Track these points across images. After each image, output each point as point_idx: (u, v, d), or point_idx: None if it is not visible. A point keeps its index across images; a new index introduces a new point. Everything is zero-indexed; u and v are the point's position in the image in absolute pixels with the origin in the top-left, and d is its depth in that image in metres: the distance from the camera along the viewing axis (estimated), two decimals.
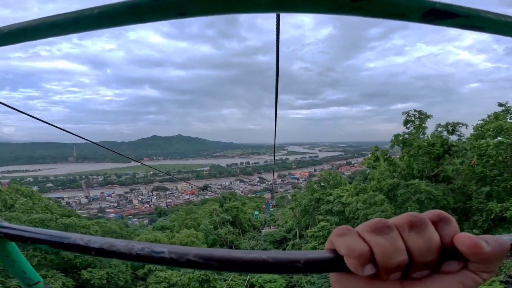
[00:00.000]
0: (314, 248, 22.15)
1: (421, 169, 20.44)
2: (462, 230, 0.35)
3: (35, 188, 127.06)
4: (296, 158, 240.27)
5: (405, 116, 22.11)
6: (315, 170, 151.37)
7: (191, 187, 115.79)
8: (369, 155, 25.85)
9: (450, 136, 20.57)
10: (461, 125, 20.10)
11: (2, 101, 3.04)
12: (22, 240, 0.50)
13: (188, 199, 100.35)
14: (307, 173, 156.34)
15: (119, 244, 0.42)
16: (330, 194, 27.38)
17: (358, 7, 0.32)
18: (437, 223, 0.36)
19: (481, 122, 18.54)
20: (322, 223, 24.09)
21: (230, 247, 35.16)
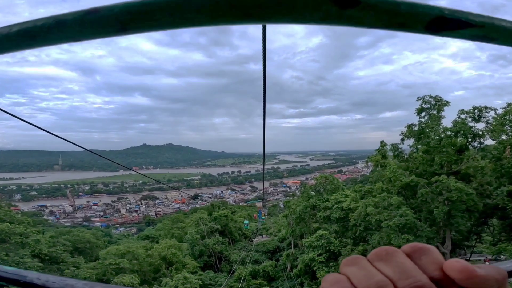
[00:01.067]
0: (312, 259, 20.87)
1: (443, 164, 17.38)
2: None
3: (17, 196, 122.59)
4: (287, 167, 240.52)
5: (420, 102, 18.73)
6: (306, 179, 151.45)
7: (182, 196, 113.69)
8: (375, 153, 23.14)
9: (476, 123, 17.29)
10: (489, 110, 16.91)
11: None
12: None
13: (178, 208, 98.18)
14: (299, 181, 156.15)
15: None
16: (327, 200, 25.87)
17: (348, 15, 0.28)
18: (411, 254, 0.35)
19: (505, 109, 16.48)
20: (321, 232, 22.27)
21: (219, 258, 33.56)
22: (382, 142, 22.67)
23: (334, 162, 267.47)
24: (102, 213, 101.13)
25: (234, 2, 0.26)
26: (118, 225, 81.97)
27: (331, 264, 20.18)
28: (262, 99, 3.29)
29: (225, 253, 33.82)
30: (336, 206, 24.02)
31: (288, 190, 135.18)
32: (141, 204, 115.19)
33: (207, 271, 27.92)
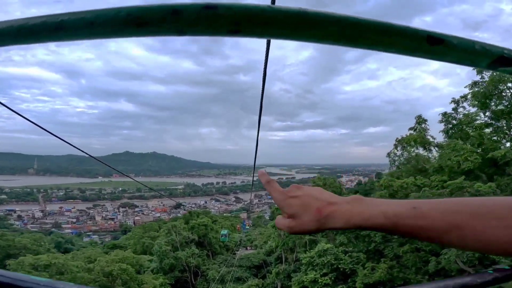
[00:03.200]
0: (314, 281, 16.14)
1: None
2: None
3: None
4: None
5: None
6: None
7: (163, 205, 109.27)
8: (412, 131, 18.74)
9: None
10: None
11: None
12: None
13: (159, 217, 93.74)
14: None
15: None
16: None
17: (433, 50, 0.33)
18: None
19: None
20: (324, 245, 17.63)
21: (195, 274, 29.26)
22: (419, 117, 19.10)
23: (319, 175, 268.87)
24: (74, 220, 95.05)
25: (341, 28, 0.31)
26: (91, 233, 76.91)
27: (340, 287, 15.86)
28: (258, 112, 3.23)
29: (202, 267, 29.81)
30: None
31: (273, 202, 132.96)
32: (119, 212, 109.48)
33: None
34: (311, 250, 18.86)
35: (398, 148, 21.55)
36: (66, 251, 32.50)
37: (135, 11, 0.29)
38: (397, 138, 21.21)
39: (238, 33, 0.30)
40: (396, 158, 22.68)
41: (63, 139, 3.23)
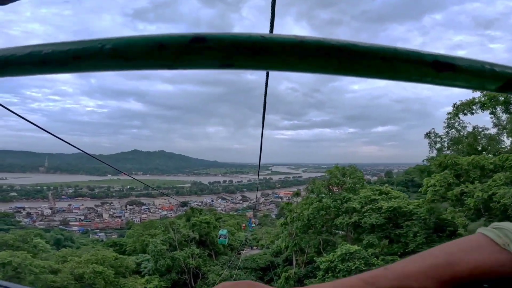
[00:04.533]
0: None
1: None
2: None
3: None
4: (280, 178, 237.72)
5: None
6: (293, 194, 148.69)
7: (170, 203, 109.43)
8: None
9: None
10: None
11: None
12: None
13: (165, 215, 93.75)
14: (291, 192, 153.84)
15: None
16: (350, 199, 19.43)
17: (442, 77, 0.31)
18: None
19: None
20: (352, 247, 14.74)
21: (195, 276, 26.97)
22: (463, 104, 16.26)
23: (326, 174, 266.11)
24: (82, 217, 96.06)
25: (346, 55, 0.29)
26: (98, 230, 77.39)
27: None
28: (261, 126, 3.48)
29: (203, 269, 27.36)
30: (369, 207, 17.53)
31: (280, 200, 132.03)
32: (126, 209, 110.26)
33: None
34: (330, 253, 16.20)
35: (457, 117, 18.53)
36: (63, 247, 31.75)
37: (121, 44, 0.27)
38: (454, 104, 18.53)
39: (231, 67, 0.28)
40: (438, 139, 19.94)
41: (61, 138, 3.22)
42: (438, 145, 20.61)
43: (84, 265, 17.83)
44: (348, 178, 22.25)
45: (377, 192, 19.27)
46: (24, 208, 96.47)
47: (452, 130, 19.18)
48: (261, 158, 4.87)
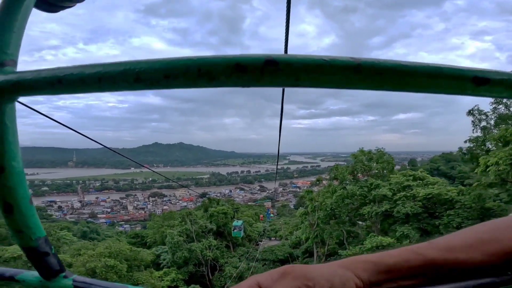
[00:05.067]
0: None
1: None
2: None
3: (29, 192, 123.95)
4: (297, 168, 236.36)
5: None
6: (315, 181, 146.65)
7: (190, 194, 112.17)
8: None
9: None
10: None
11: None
12: None
13: (185, 206, 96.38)
14: (309, 182, 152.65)
15: None
16: (379, 186, 17.61)
17: (479, 90, 0.34)
18: None
19: None
20: (385, 239, 13.41)
21: (213, 268, 26.40)
22: None
23: (345, 163, 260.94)
24: (109, 210, 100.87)
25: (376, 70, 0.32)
26: (123, 222, 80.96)
27: None
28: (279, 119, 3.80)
29: (221, 261, 26.69)
30: (402, 194, 15.87)
31: (298, 190, 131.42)
32: (149, 201, 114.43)
33: (192, 286, 21.58)
34: (356, 246, 14.94)
35: None
36: (90, 239, 33.12)
37: (205, 64, 0.31)
38: None
39: (296, 86, 0.32)
40: (483, 116, 17.14)
41: (83, 134, 3.48)
42: (484, 123, 17.79)
43: (96, 259, 17.27)
44: (375, 163, 20.20)
45: (411, 178, 17.25)
46: (55, 202, 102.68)
47: (500, 106, 16.60)
48: (279, 148, 4.85)
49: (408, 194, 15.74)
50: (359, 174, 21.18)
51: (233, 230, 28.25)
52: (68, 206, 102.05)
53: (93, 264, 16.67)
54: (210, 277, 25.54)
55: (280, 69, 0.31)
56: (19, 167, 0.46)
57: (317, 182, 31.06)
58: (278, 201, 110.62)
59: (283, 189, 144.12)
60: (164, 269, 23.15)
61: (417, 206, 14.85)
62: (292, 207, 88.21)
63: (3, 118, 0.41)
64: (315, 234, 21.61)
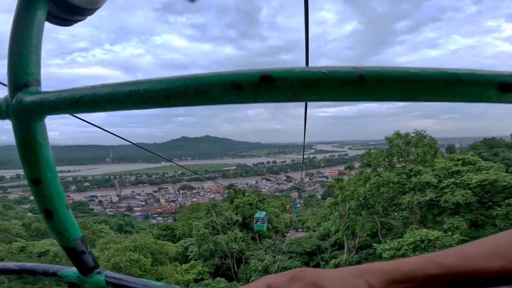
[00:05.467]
0: None
1: None
2: None
3: (73, 187, 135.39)
4: (324, 157, 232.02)
5: None
6: (345, 169, 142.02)
7: (217, 186, 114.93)
8: None
9: None
10: None
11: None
12: None
13: (213, 198, 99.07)
14: (337, 171, 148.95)
15: None
16: (420, 173, 15.76)
17: (505, 97, 0.30)
18: None
19: None
20: (431, 233, 11.20)
21: (239, 260, 25.96)
22: None
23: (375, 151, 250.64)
24: (143, 203, 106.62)
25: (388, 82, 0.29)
26: (156, 215, 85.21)
27: None
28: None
29: (247, 253, 26.15)
30: (451, 181, 13.97)
31: (325, 180, 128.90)
32: (179, 194, 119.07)
33: (218, 278, 21.08)
34: (393, 239, 13.33)
35: None
36: (125, 232, 34.68)
37: (201, 84, 0.32)
38: None
39: (293, 101, 0.31)
40: None
41: (109, 131, 3.70)
42: None
43: (121, 253, 16.98)
44: (414, 147, 18.22)
45: (460, 162, 15.23)
46: (96, 197, 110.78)
47: None
48: (304, 137, 4.92)
49: (458, 181, 13.89)
50: (394, 160, 19.31)
51: (256, 223, 27.36)
52: (107, 200, 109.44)
53: (118, 258, 16.56)
54: (236, 269, 25.30)
55: (276, 86, 0.30)
56: (54, 177, 0.50)
57: (348, 170, 29.03)
58: (305, 191, 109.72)
59: (309, 179, 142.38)
60: (191, 262, 23.43)
61: (469, 194, 13.07)
62: (319, 197, 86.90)
63: (35, 135, 0.44)
64: (346, 225, 20.34)
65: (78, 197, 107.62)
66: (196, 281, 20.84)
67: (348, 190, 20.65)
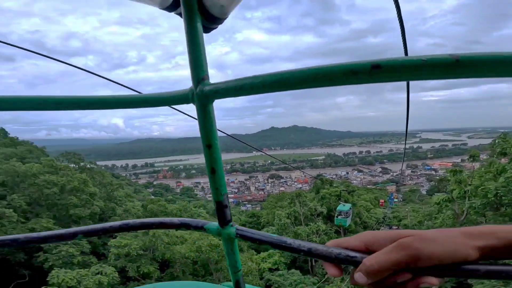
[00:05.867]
0: None
1: None
2: None
3: (183, 175, 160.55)
4: (432, 146, 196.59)
5: None
6: (462, 161, 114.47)
7: (305, 176, 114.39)
8: None
9: None
10: None
11: None
12: (253, 241, 0.66)
13: (300, 187, 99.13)
14: (450, 163, 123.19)
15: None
16: None
17: None
18: None
19: None
20: None
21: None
22: None
23: None
24: (236, 190, 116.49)
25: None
26: (246, 202, 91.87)
27: None
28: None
29: None
30: None
31: (434, 173, 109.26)
32: (268, 182, 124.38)
33: (292, 270, 20.61)
34: None
35: None
36: None
37: (327, 71, 0.47)
38: None
39: (398, 81, 0.42)
40: None
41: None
42: None
43: (205, 237, 17.38)
44: None
45: None
46: (199, 183, 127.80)
47: None
48: (404, 125, 4.43)
49: None
50: None
51: (337, 216, 25.30)
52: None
53: (200, 242, 17.35)
54: (313, 263, 24.27)
55: (383, 71, 0.40)
56: (218, 144, 0.63)
57: (471, 161, 23.52)
58: (405, 184, 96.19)
59: (412, 171, 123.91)
60: (269, 251, 23.37)
61: None
62: (424, 192, 74.48)
63: (210, 113, 0.59)
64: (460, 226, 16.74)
65: (186, 183, 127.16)
66: (271, 270, 21.20)
67: (470, 185, 17.17)
